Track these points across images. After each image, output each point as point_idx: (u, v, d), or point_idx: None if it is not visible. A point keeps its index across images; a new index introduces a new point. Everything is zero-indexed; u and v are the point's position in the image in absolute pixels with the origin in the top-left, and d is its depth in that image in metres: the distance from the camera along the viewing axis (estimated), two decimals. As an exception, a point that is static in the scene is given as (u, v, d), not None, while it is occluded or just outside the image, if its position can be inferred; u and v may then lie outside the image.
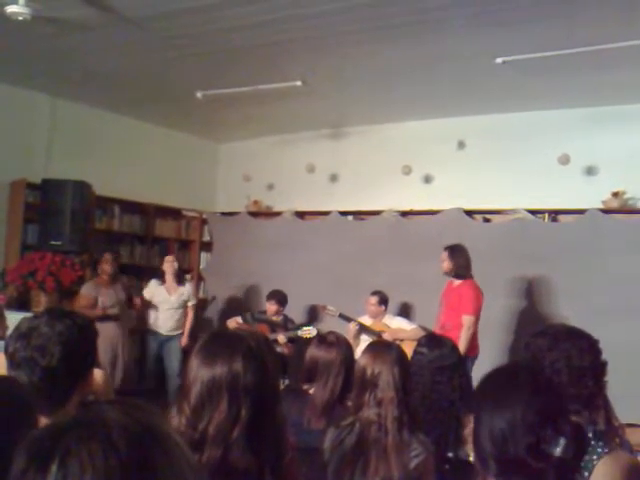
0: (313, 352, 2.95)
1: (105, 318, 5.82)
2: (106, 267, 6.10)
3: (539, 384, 1.38)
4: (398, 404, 2.33)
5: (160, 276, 6.56)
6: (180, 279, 6.62)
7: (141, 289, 6.69)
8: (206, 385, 1.56)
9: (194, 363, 1.62)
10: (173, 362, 6.47)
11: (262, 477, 1.54)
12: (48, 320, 1.75)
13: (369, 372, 2.39)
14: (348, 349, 2.98)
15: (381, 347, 2.56)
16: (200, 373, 1.59)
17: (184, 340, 6.52)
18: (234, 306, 7.61)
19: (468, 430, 2.82)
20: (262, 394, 1.57)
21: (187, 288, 6.66)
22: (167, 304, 6.49)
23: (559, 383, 1.66)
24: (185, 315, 6.61)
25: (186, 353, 6.73)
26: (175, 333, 6.52)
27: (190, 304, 6.65)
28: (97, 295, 6.00)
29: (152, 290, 6.54)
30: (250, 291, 7.61)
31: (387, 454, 2.28)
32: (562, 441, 1.29)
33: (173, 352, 6.49)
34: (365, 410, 2.36)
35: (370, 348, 2.56)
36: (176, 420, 1.56)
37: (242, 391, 1.55)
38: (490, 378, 1.48)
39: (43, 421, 1.63)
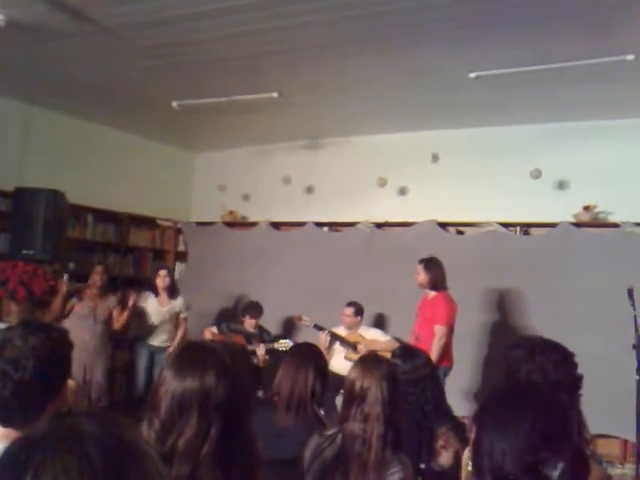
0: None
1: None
2: (95, 278, 6.02)
3: (545, 407, 1.38)
4: (384, 421, 2.32)
5: (153, 289, 6.53)
6: (173, 292, 6.57)
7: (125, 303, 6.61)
8: (177, 399, 1.54)
9: (166, 375, 1.59)
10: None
11: None
12: (22, 333, 1.73)
13: (358, 386, 2.38)
14: (317, 357, 2.99)
15: (371, 362, 2.53)
16: (171, 386, 1.56)
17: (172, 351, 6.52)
18: (209, 316, 7.56)
19: (441, 442, 2.85)
20: (233, 410, 1.55)
21: (179, 301, 6.61)
22: (159, 316, 6.44)
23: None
24: (177, 327, 6.58)
25: None
26: (167, 345, 6.45)
27: (182, 316, 6.61)
28: (76, 303, 5.94)
29: (144, 301, 6.51)
30: (225, 301, 7.58)
31: (367, 470, 2.27)
32: (560, 465, 1.30)
33: (163, 364, 6.47)
34: (350, 423, 2.36)
35: (360, 362, 2.55)
36: (145, 433, 1.54)
37: (213, 407, 1.52)
38: (496, 396, 1.47)
39: (15, 435, 1.61)
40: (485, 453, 1.36)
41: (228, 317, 7.15)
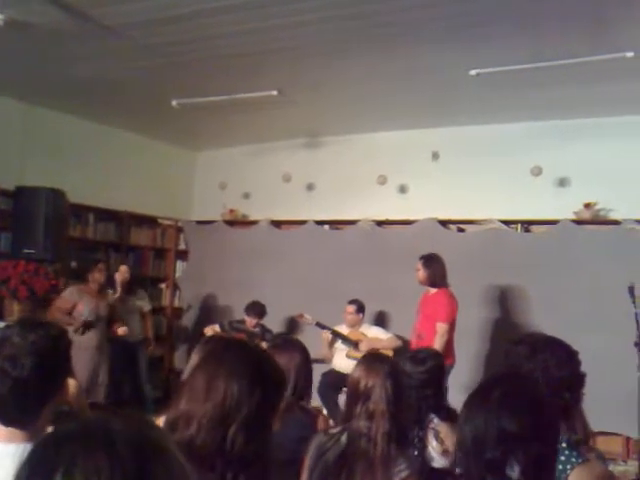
0: None
1: (83, 328, 5.79)
2: (99, 276, 6.02)
3: (508, 404, 1.36)
4: (389, 418, 2.34)
5: (112, 285, 6.57)
6: (131, 288, 6.72)
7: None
8: (201, 390, 1.49)
9: (192, 364, 1.58)
10: (142, 369, 6.61)
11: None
12: (20, 331, 1.73)
13: (362, 384, 2.39)
14: (300, 350, 2.98)
15: (375, 360, 2.55)
16: (197, 377, 1.52)
17: (150, 346, 6.81)
18: (210, 314, 7.58)
19: (431, 431, 2.93)
20: (262, 410, 1.51)
21: (140, 295, 6.83)
22: (124, 311, 6.55)
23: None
24: (144, 322, 6.80)
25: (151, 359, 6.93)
26: (139, 338, 6.68)
27: (146, 310, 6.84)
28: (78, 301, 5.89)
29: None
30: (226, 300, 7.59)
31: (374, 467, 2.27)
32: (516, 467, 1.28)
33: (141, 359, 6.67)
34: (355, 421, 2.37)
35: (364, 361, 2.56)
36: (172, 414, 1.51)
37: (239, 409, 1.48)
38: (474, 389, 1.48)
39: (16, 434, 1.61)
40: (460, 445, 1.37)
41: (228, 315, 7.16)
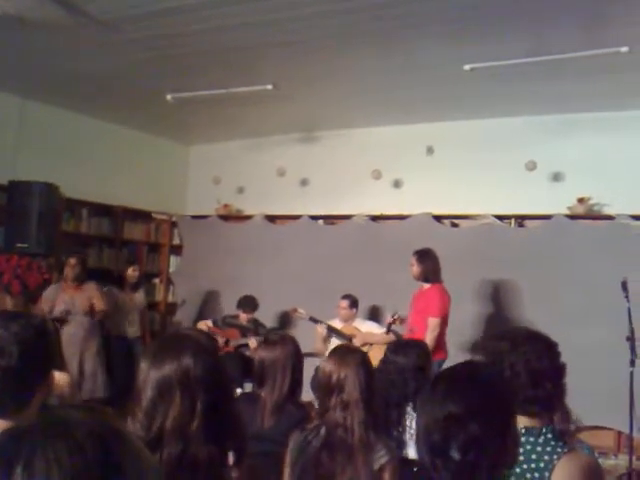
0: (259, 354, 2.98)
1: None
2: (67, 270, 6.00)
3: (456, 387, 1.40)
4: (364, 406, 2.36)
5: (120, 282, 6.69)
6: (137, 285, 6.88)
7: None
8: (156, 385, 1.57)
9: (143, 367, 1.64)
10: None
11: (225, 468, 1.55)
12: (1, 322, 1.73)
13: (335, 377, 2.42)
14: (293, 346, 2.99)
15: (345, 352, 2.59)
16: (150, 375, 1.60)
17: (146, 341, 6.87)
18: (204, 310, 7.58)
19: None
20: (215, 386, 1.59)
21: (141, 293, 6.96)
22: (127, 306, 6.67)
23: (518, 385, 1.68)
24: (143, 318, 6.93)
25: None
26: (137, 334, 6.76)
27: (143, 305, 6.98)
28: (55, 300, 5.88)
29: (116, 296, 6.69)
30: (220, 295, 7.58)
31: (354, 456, 2.30)
32: (454, 445, 1.32)
33: (139, 355, 6.67)
34: (331, 414, 2.39)
35: (334, 353, 2.59)
36: (131, 427, 1.56)
37: (194, 383, 1.56)
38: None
39: (5, 424, 1.61)
40: (416, 434, 1.42)
41: (222, 310, 7.17)
